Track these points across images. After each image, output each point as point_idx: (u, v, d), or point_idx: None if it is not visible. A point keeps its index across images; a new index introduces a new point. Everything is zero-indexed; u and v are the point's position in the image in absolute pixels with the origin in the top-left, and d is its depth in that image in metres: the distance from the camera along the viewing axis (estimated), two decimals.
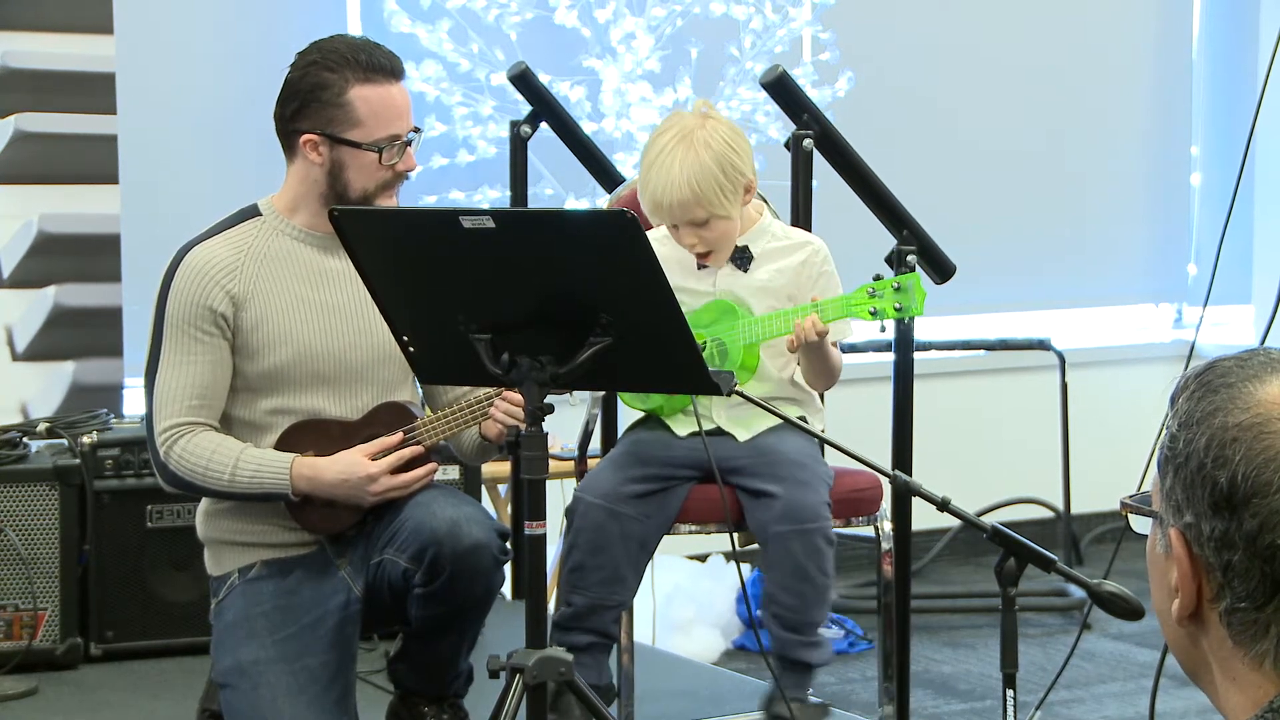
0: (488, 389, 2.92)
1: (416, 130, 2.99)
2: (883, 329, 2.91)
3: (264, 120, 3.00)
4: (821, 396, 3.18)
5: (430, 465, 2.96)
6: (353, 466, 2.91)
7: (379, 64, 2.93)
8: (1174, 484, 1.29)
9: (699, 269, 3.05)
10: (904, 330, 3.35)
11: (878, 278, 2.89)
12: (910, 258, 3.32)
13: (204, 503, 3.04)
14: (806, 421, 3.02)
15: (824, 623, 3.01)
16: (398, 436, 2.96)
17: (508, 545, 2.91)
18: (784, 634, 2.99)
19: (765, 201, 3.28)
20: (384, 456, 2.93)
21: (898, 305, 2.86)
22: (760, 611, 3.05)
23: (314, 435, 2.95)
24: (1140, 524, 1.36)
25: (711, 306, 2.99)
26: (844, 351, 3.02)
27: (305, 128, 2.93)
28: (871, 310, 2.88)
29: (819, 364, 2.99)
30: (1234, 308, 5.85)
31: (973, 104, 5.59)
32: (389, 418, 2.98)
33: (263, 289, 2.95)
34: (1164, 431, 1.31)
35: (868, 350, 4.72)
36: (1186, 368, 1.35)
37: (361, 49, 2.94)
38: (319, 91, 2.91)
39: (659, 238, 2.93)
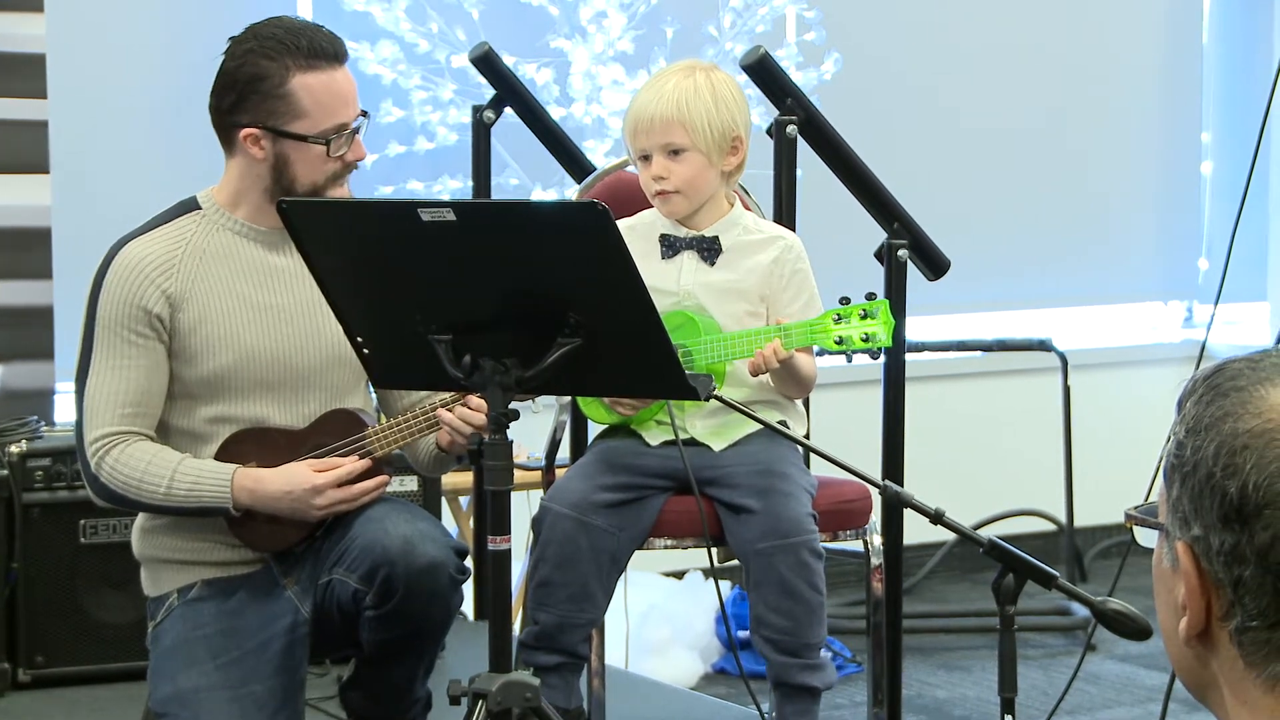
0: (447, 394, 2.92)
1: (365, 115, 2.99)
2: (849, 359, 2.92)
3: (208, 106, 2.98)
4: (807, 401, 3.17)
5: (382, 477, 2.97)
6: (298, 478, 2.90)
7: (321, 49, 2.91)
8: (1181, 494, 1.28)
9: (662, 251, 3.05)
10: (895, 330, 3.33)
11: (844, 301, 2.89)
12: (901, 252, 3.33)
13: (140, 519, 3.03)
14: (787, 426, 3.02)
15: (822, 642, 3.00)
16: (353, 460, 2.95)
17: (465, 564, 2.91)
18: (780, 658, 2.97)
19: (745, 192, 3.29)
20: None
21: (865, 335, 2.88)
22: (751, 637, 3.04)
23: (257, 445, 2.95)
24: (1146, 537, 1.36)
25: (672, 317, 2.97)
26: (831, 353, 3.02)
27: (245, 121, 2.93)
28: (837, 339, 2.89)
29: (787, 376, 3.00)
30: (1248, 305, 5.88)
31: (968, 88, 5.60)
32: (338, 426, 2.98)
33: (202, 288, 2.94)
34: (1171, 438, 1.31)
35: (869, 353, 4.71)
36: (1197, 370, 1.34)
37: (301, 33, 2.92)
38: (257, 82, 2.90)
39: (625, 227, 2.93)
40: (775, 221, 3.31)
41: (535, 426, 3.44)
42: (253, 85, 2.90)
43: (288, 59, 2.89)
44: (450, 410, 2.92)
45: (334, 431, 2.97)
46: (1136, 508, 1.39)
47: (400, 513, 2.92)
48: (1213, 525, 1.26)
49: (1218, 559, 1.26)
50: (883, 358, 3.14)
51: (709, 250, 3.06)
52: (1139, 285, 6.02)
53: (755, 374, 2.95)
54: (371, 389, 3.08)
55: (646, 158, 3.04)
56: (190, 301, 2.93)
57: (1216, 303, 3.64)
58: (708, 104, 3.00)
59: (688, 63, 3.09)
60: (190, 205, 3.00)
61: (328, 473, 2.91)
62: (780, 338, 2.91)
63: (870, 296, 2.90)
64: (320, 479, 2.91)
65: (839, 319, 2.89)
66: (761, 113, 4.40)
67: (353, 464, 2.93)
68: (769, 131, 3.43)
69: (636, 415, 3.06)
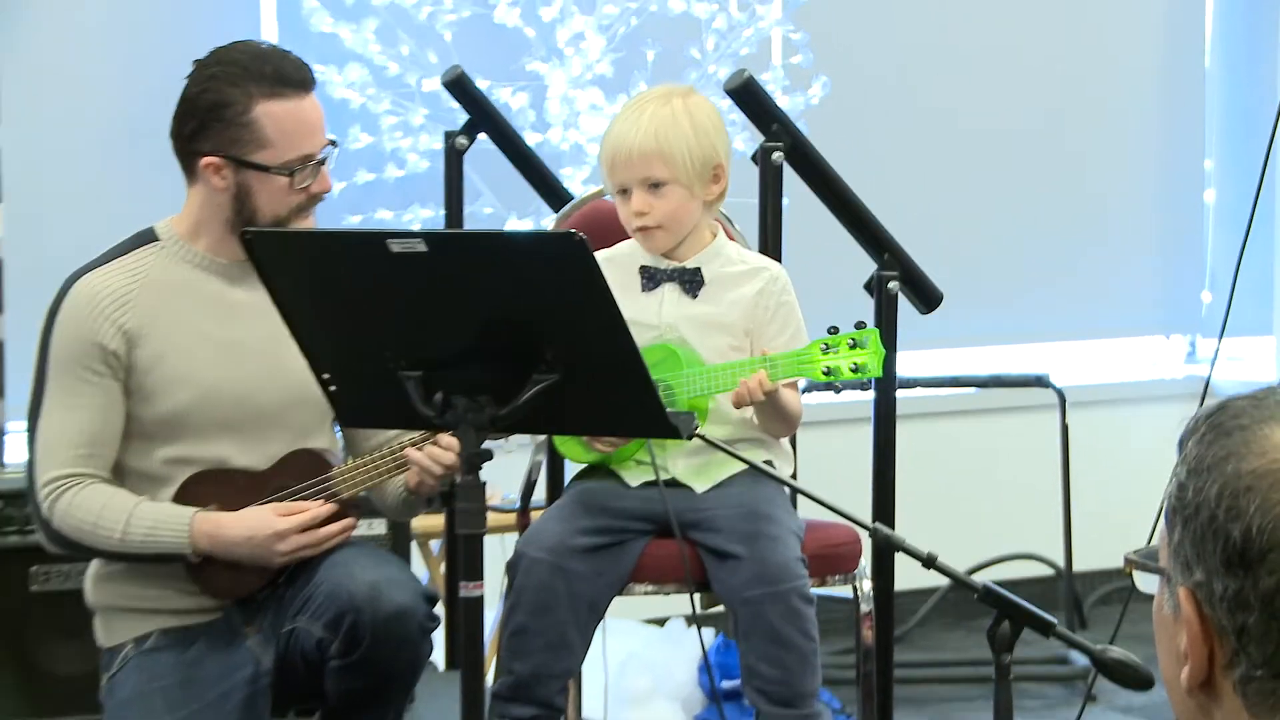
0: (416, 433, 2.92)
1: (333, 143, 2.99)
2: (837, 390, 2.92)
3: (168, 131, 2.99)
4: (794, 439, 3.18)
5: (348, 520, 2.97)
6: (259, 523, 2.90)
7: (287, 76, 2.92)
8: (1183, 538, 1.29)
9: (642, 284, 3.05)
10: (885, 365, 3.29)
11: (833, 330, 2.90)
12: (892, 284, 3.33)
13: (94, 565, 3.02)
14: (773, 466, 3.02)
15: (816, 691, 3.00)
16: (318, 504, 2.95)
17: (436, 611, 2.91)
18: (774, 710, 2.97)
19: (729, 221, 3.31)
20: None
21: (854, 365, 2.88)
22: (742, 688, 3.03)
23: (217, 487, 2.94)
24: (1147, 583, 1.37)
25: (654, 350, 2.98)
26: (819, 389, 3.03)
27: (206, 149, 2.94)
28: (825, 369, 2.90)
29: (772, 411, 3.01)
30: (1253, 339, 5.88)
31: (963, 115, 5.60)
32: (301, 467, 2.98)
33: (160, 323, 2.94)
34: (1172, 479, 1.32)
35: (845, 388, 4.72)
36: (1200, 407, 1.35)
37: (266, 59, 2.93)
38: (220, 110, 2.91)
39: (604, 259, 2.90)
40: (760, 252, 3.32)
41: (509, 467, 3.42)
42: (215, 113, 2.91)
43: (251, 86, 2.90)
44: (420, 450, 2.93)
45: (298, 473, 2.97)
46: (1137, 552, 1.40)
47: (367, 557, 2.93)
48: (1215, 570, 1.26)
49: (1221, 605, 1.26)
50: (873, 393, 3.18)
51: (691, 282, 3.07)
52: (1140, 319, 6.01)
53: (739, 406, 2.95)
54: (337, 428, 3.07)
55: (625, 191, 3.05)
56: (148, 337, 2.93)
57: (1221, 337, 3.65)
58: (686, 134, 3.01)
59: (663, 89, 3.10)
60: (148, 237, 3.00)
61: (291, 517, 2.92)
62: (766, 369, 2.91)
63: (860, 325, 2.90)
64: (283, 523, 2.91)
65: (827, 349, 2.90)
66: (746, 139, 4.42)
67: (318, 508, 2.94)
68: (754, 158, 3.44)
69: (615, 453, 3.05)
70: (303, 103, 2.92)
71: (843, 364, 2.89)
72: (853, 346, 2.88)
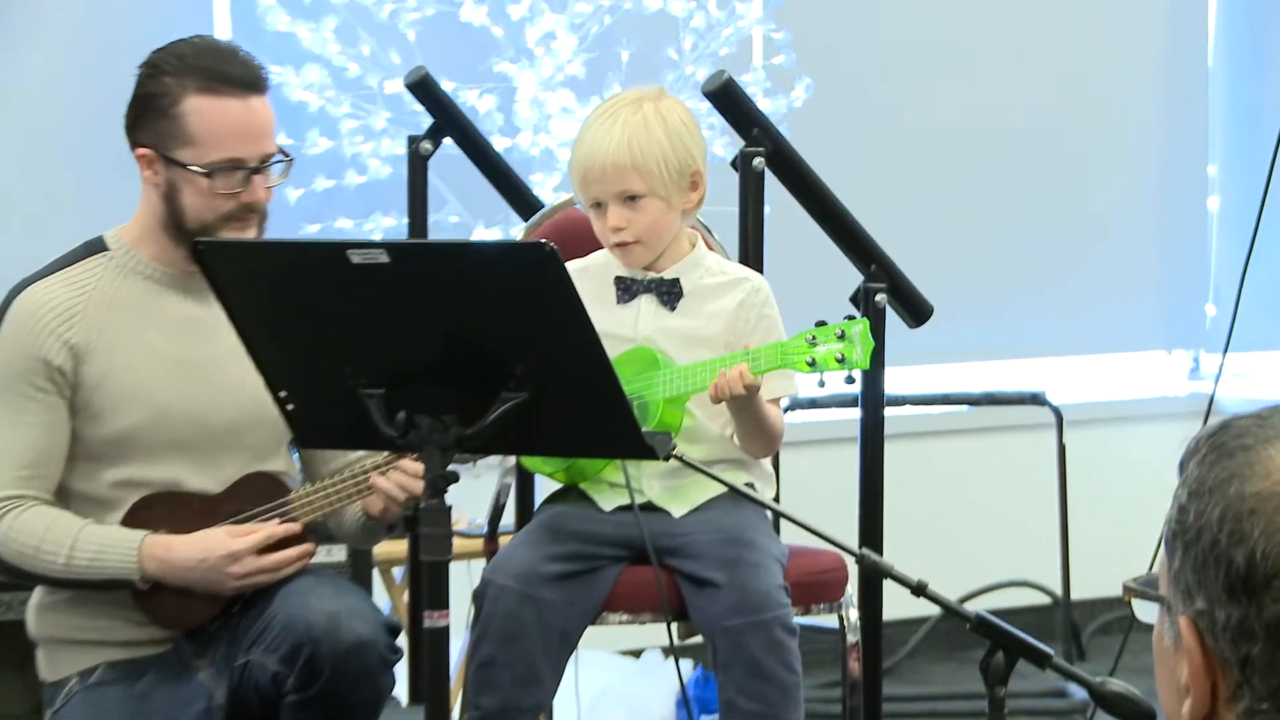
0: (378, 456, 2.92)
1: (285, 156, 2.97)
2: (821, 383, 2.90)
3: (117, 135, 3.00)
4: (776, 460, 3.18)
5: (306, 546, 2.96)
6: (212, 545, 2.90)
7: (227, 74, 2.91)
8: (1184, 564, 1.29)
9: (618, 295, 3.06)
10: (872, 382, 3.35)
11: (820, 324, 2.89)
12: (879, 297, 3.33)
13: (37, 594, 3.01)
14: (754, 489, 3.02)
15: None
16: (274, 524, 2.94)
17: (398, 642, 2.90)
18: None
19: (708, 230, 3.32)
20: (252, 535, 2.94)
21: (839, 356, 2.86)
22: None
23: (168, 511, 2.93)
24: (1147, 612, 1.36)
25: (631, 357, 2.98)
26: (803, 407, 3.03)
27: (142, 140, 2.95)
28: (809, 360, 2.88)
29: (751, 423, 3.00)
30: (1259, 355, 5.88)
31: (954, 117, 5.59)
32: (257, 491, 2.98)
33: (108, 338, 2.94)
34: (1173, 503, 1.32)
35: (829, 405, 4.73)
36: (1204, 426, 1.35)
37: (211, 53, 2.93)
38: (153, 99, 2.92)
39: (577, 270, 2.94)
40: (741, 263, 3.32)
41: (476, 490, 3.41)
42: (149, 101, 2.92)
43: (187, 78, 2.90)
44: (385, 476, 2.93)
45: (253, 497, 2.97)
46: (1136, 579, 1.39)
47: (326, 586, 2.92)
48: (1218, 598, 1.26)
49: (1223, 635, 1.26)
50: (859, 411, 3.15)
51: (669, 293, 3.07)
52: (1140, 333, 6.00)
53: (717, 400, 2.93)
54: (295, 450, 3.07)
55: (599, 205, 3.06)
56: (95, 353, 2.92)
57: (1225, 352, 3.67)
58: (661, 142, 3.02)
59: (633, 94, 3.09)
60: (97, 246, 3.00)
61: (246, 537, 2.91)
62: (747, 362, 2.90)
63: (850, 318, 2.90)
64: (237, 544, 2.91)
65: (813, 341, 2.89)
66: (726, 143, 4.41)
67: (274, 528, 2.94)
68: (734, 164, 3.43)
69: (586, 469, 3.05)
70: (243, 104, 2.91)
71: (829, 355, 2.87)
72: (840, 338, 2.86)
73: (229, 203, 2.91)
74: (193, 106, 2.89)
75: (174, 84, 2.90)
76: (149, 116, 2.91)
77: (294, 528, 2.95)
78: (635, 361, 3.00)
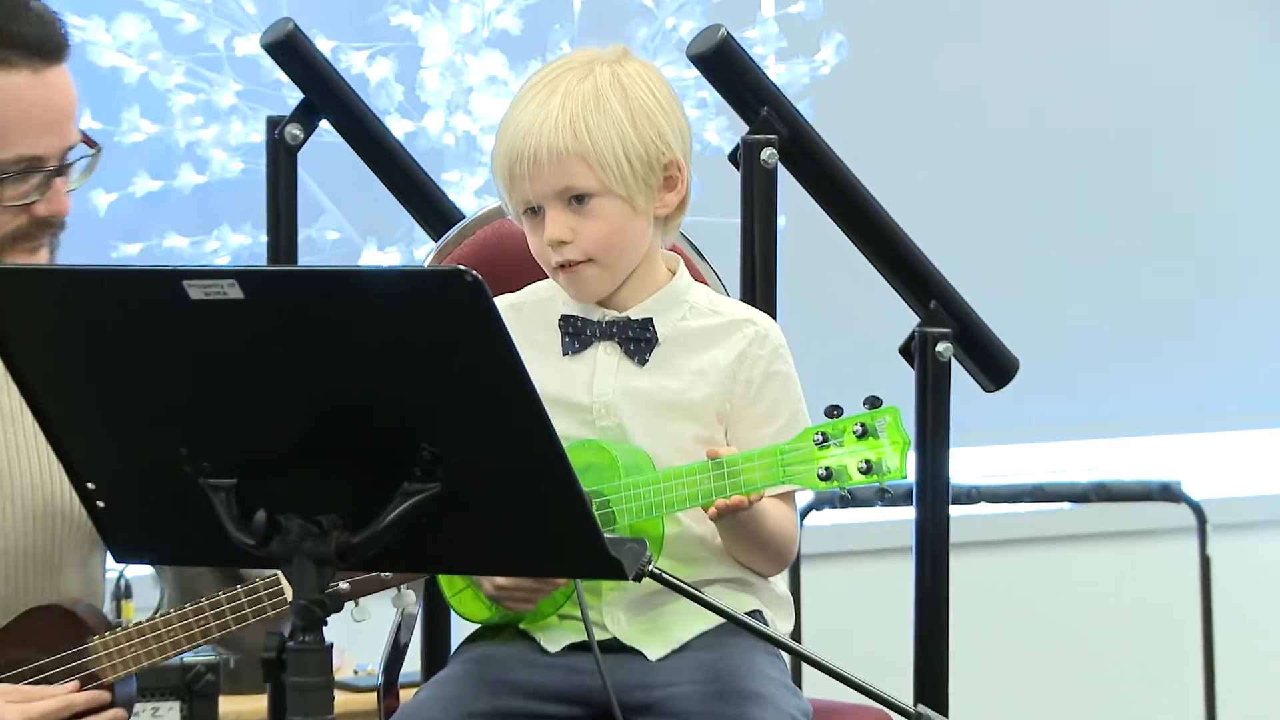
0: (243, 576, 2.97)
1: (91, 146, 2.93)
2: (848, 497, 2.83)
3: None
4: (794, 578, 3.12)
5: (113, 713, 2.94)
6: None
7: (11, 35, 2.89)
8: None
9: (565, 343, 3.01)
10: (933, 468, 3.36)
11: (833, 412, 2.78)
12: (943, 346, 3.36)
13: None
14: (762, 618, 2.96)
15: None
16: (69, 688, 2.90)
17: None
18: None
19: (696, 250, 3.22)
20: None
21: (864, 464, 2.80)
22: None
23: None
24: None
25: (577, 451, 2.85)
26: (830, 505, 3.04)
27: None
28: (823, 472, 2.80)
29: (750, 532, 2.93)
30: None
31: (1036, 96, 5.51)
32: (46, 631, 2.97)
33: None
34: None
35: (868, 503, 4.72)
36: None
37: None
38: None
39: (508, 306, 2.81)
40: (742, 298, 3.32)
41: (368, 623, 3.37)
42: None
43: None
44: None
45: (42, 641, 2.97)
46: None
47: None
48: None
49: None
50: (912, 510, 3.23)
51: (637, 341, 3.00)
52: None
53: (715, 518, 2.92)
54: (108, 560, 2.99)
55: (535, 211, 2.92)
56: None
57: None
58: (619, 119, 2.91)
59: (583, 55, 2.97)
60: None
61: (29, 704, 2.90)
62: (729, 480, 2.83)
63: (872, 404, 2.81)
64: (14, 714, 2.84)
65: (825, 440, 2.81)
66: (723, 128, 4.36)
67: (68, 694, 2.91)
68: (733, 157, 3.40)
69: (533, 609, 2.97)
70: (35, 78, 2.92)
71: (848, 462, 2.83)
72: (861, 435, 2.81)
73: (19, 217, 2.92)
74: None
75: None
76: None
77: (99, 696, 2.94)
78: (584, 455, 2.93)
